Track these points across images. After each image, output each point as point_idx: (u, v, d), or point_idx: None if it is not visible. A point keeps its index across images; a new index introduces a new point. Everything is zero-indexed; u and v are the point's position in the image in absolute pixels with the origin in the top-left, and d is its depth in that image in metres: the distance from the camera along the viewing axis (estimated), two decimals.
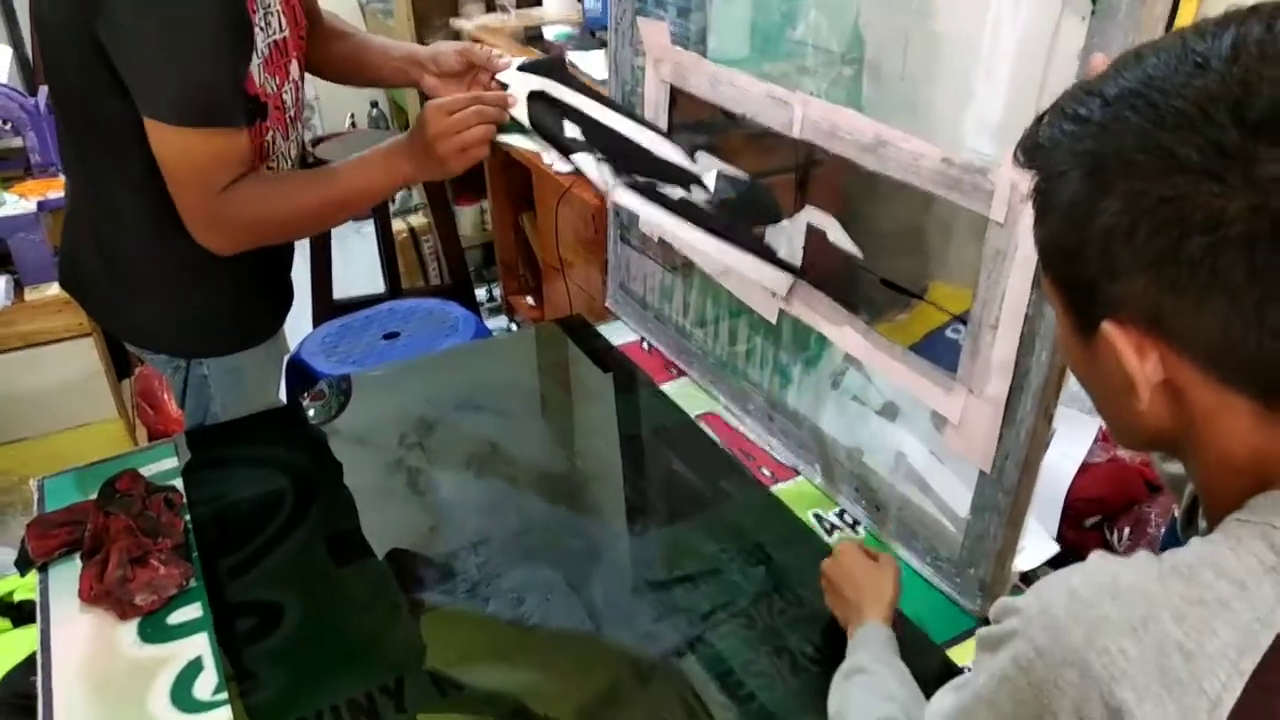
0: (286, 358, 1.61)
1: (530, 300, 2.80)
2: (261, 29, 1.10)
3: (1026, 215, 0.80)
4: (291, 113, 1.21)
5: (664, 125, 1.33)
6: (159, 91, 1.03)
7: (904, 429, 1.07)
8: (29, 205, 1.98)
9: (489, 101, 1.17)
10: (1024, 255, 0.82)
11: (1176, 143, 0.44)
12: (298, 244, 1.41)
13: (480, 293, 3.06)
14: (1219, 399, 0.48)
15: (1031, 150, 0.51)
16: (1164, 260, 0.45)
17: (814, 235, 1.30)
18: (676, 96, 1.30)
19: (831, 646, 0.94)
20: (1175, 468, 0.71)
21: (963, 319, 0.93)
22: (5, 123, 2.04)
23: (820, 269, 1.15)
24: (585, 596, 1.06)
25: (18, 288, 2.02)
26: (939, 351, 1.01)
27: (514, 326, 2.89)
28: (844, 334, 1.07)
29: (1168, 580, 0.46)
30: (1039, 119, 0.52)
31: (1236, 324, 0.45)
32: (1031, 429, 0.86)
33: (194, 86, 1.04)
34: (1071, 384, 0.88)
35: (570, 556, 1.12)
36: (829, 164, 1.20)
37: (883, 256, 1.21)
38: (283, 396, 1.47)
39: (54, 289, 2.00)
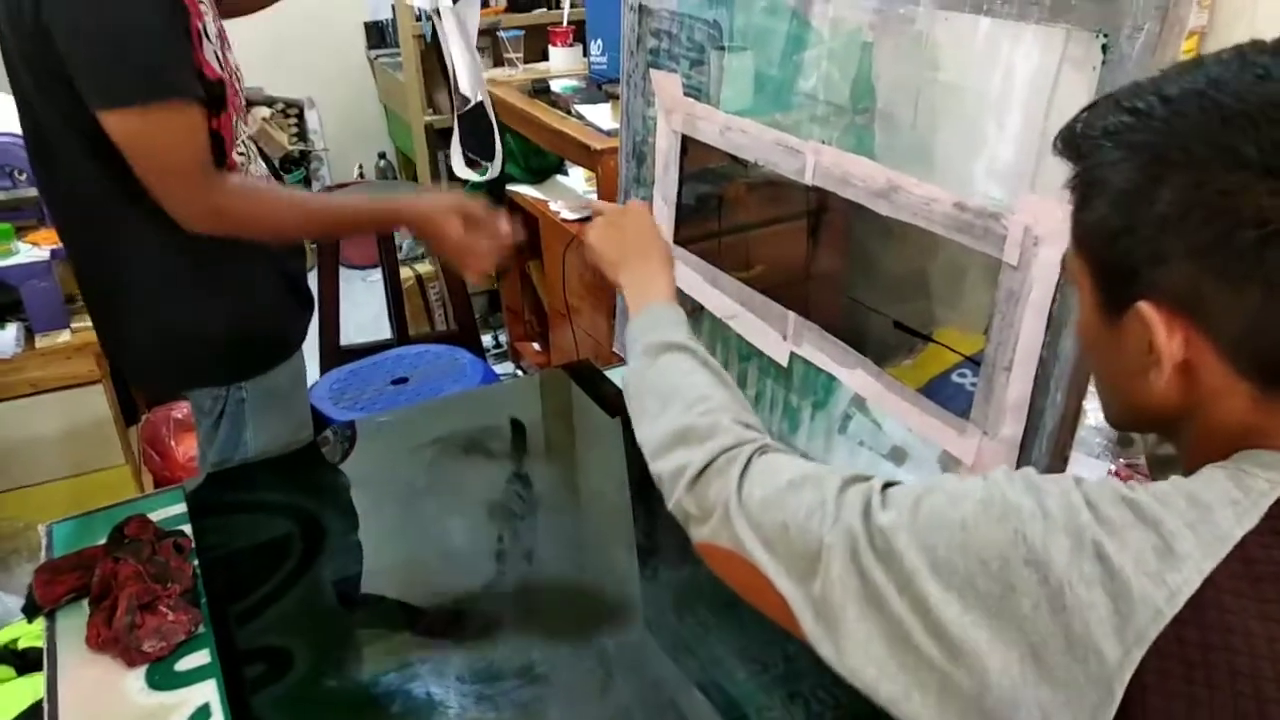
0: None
1: (536, 346, 2.82)
2: (206, 10, 1.14)
3: (1039, 258, 0.82)
4: (242, 97, 1.25)
5: (675, 174, 1.35)
6: (108, 76, 1.05)
7: (912, 474, 1.06)
8: (42, 253, 2.00)
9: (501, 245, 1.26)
10: (1037, 297, 0.83)
11: (1238, 140, 0.47)
12: None
13: (486, 339, 3.07)
14: (1226, 382, 0.51)
15: (1076, 140, 0.54)
16: (1212, 249, 0.48)
17: (825, 282, 1.32)
18: (688, 145, 1.32)
19: (848, 692, 0.93)
20: (1166, 450, 0.73)
21: (973, 361, 0.93)
22: (20, 173, 2.07)
23: (830, 311, 1.16)
24: (596, 642, 1.05)
25: (29, 335, 2.03)
26: (946, 395, 1.02)
27: (520, 372, 2.90)
28: (855, 376, 1.08)
29: (1141, 494, 0.50)
30: (1084, 111, 0.55)
31: (1266, 314, 0.48)
32: (1045, 471, 0.86)
33: (140, 64, 1.05)
34: (1080, 428, 0.88)
35: (580, 602, 1.12)
36: (839, 209, 1.22)
37: (893, 300, 1.22)
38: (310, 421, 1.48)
39: (65, 335, 2.01)
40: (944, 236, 0.92)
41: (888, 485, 0.58)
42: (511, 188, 2.37)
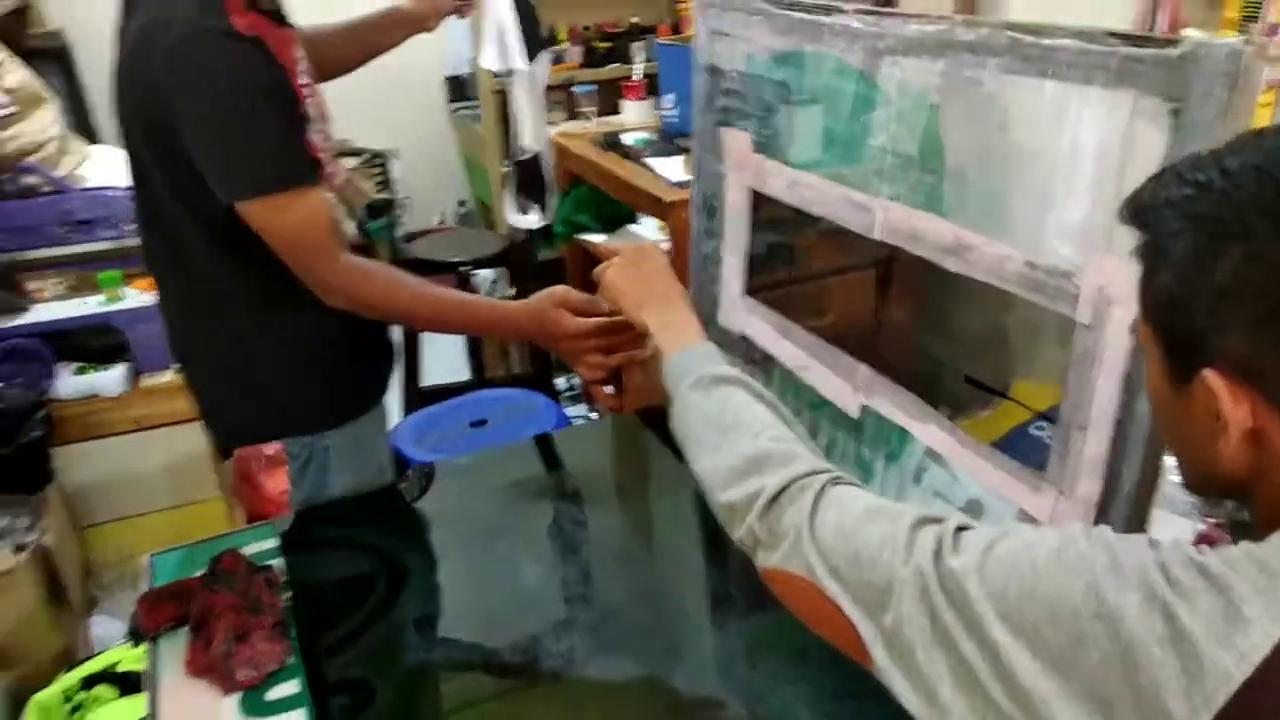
0: None
1: (610, 389, 2.85)
2: (309, 93, 1.22)
3: (1114, 318, 0.82)
4: (330, 168, 1.32)
5: (745, 228, 1.38)
6: (237, 169, 1.13)
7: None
8: (148, 299, 2.12)
9: (615, 343, 1.33)
10: (1112, 357, 0.83)
11: None
12: None
13: (560, 381, 3.13)
14: None
15: (1142, 210, 0.56)
16: (1270, 319, 0.50)
17: (896, 333, 1.32)
18: (757, 199, 1.36)
19: None
20: (1245, 514, 0.73)
21: (1047, 416, 0.93)
22: (127, 223, 2.21)
23: (902, 364, 1.17)
24: (668, 690, 1.07)
25: (135, 375, 2.15)
26: (1023, 449, 1.01)
27: (592, 415, 2.94)
28: (927, 430, 1.09)
29: (1211, 559, 0.50)
30: (1149, 181, 0.56)
31: None
32: (1124, 533, 0.86)
33: (266, 155, 1.14)
34: (1163, 485, 0.88)
35: (653, 648, 1.13)
36: (910, 261, 1.24)
37: (965, 354, 1.23)
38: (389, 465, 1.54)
39: (167, 376, 2.13)
40: (1017, 297, 0.93)
41: (961, 529, 0.59)
42: (584, 237, 2.44)
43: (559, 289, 1.32)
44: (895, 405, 1.14)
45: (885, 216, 1.08)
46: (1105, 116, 0.81)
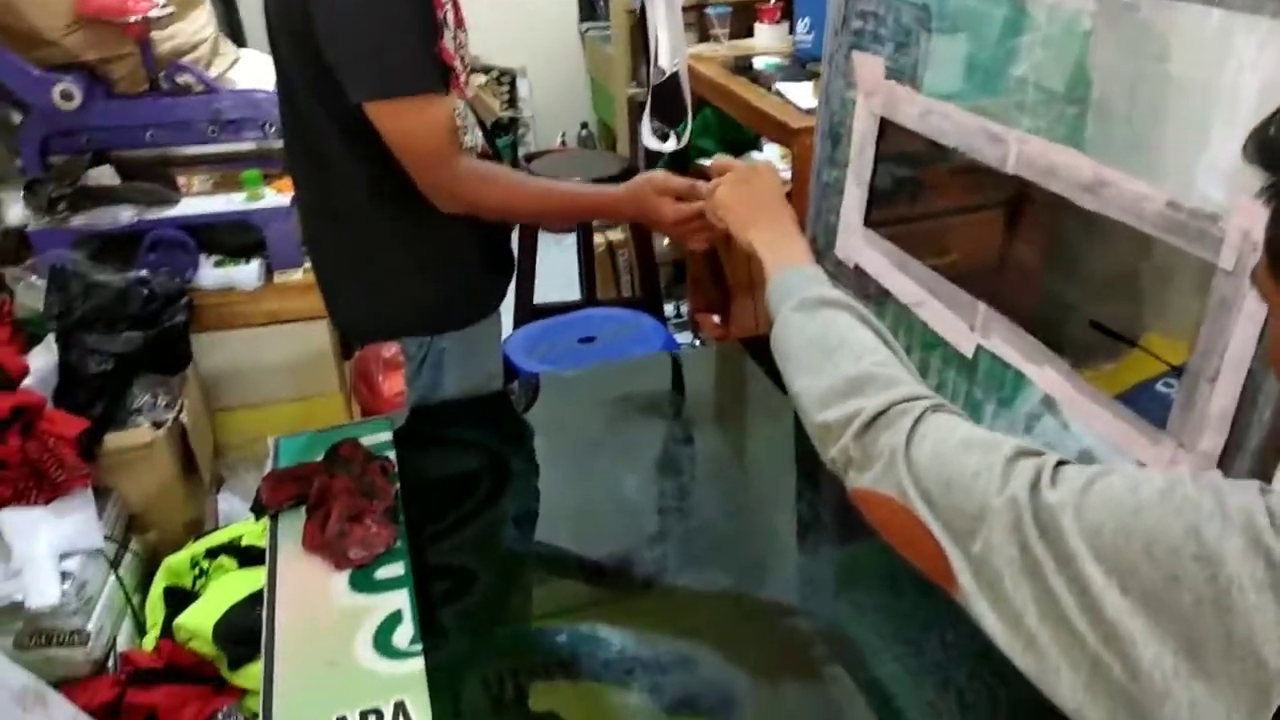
0: None
1: (716, 319, 2.86)
2: (446, 3, 1.23)
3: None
4: (465, 76, 1.34)
5: (871, 157, 1.35)
6: (368, 71, 1.16)
7: None
8: (284, 199, 2.22)
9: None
10: (1252, 306, 0.79)
11: None
12: None
13: (669, 308, 3.14)
14: None
15: (1270, 145, 0.51)
16: None
17: (1020, 275, 1.28)
18: (885, 129, 1.32)
19: (1001, 682, 0.93)
20: None
21: (1178, 372, 0.89)
22: (271, 126, 2.31)
23: (1024, 306, 1.13)
24: (751, 610, 1.09)
25: (269, 271, 2.27)
26: (1146, 406, 0.97)
27: (698, 343, 2.95)
28: (1044, 374, 1.05)
29: None
30: (1271, 118, 0.52)
31: None
32: None
33: (397, 60, 1.16)
34: None
35: (740, 569, 1.15)
36: (1041, 201, 1.18)
37: (1092, 300, 1.18)
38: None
39: (298, 274, 2.24)
40: (1153, 237, 0.88)
41: (1061, 463, 0.58)
42: (705, 161, 2.41)
43: (659, 174, 1.32)
44: (1012, 346, 1.10)
45: (1021, 149, 1.03)
46: (1274, 49, 0.76)
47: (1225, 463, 0.85)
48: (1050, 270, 1.28)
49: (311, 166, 1.35)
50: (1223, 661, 0.45)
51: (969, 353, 1.18)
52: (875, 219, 1.38)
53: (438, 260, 1.38)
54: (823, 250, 1.51)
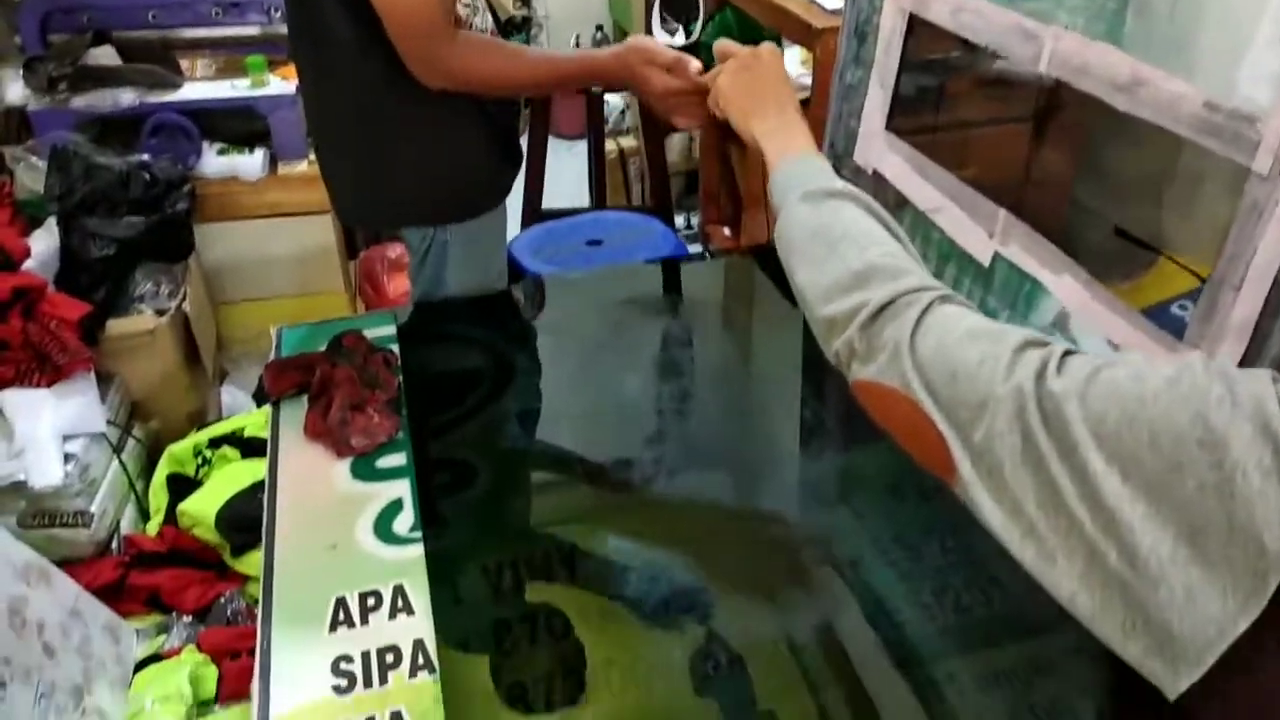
0: None
1: (727, 231, 2.82)
2: None
3: None
4: None
5: (897, 56, 1.30)
6: None
7: None
8: (289, 87, 2.16)
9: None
10: None
11: None
12: None
13: (679, 219, 3.10)
14: None
15: None
16: None
17: (1043, 186, 1.24)
18: (914, 26, 1.26)
19: (998, 589, 0.93)
20: None
21: (1197, 292, 0.87)
22: (276, 10, 2.24)
23: (1045, 217, 1.10)
24: (752, 511, 1.09)
25: (273, 161, 2.22)
26: (1161, 323, 0.95)
27: (708, 255, 2.92)
28: (1062, 282, 1.03)
29: None
30: None
31: None
32: None
33: None
34: None
35: (744, 466, 1.15)
36: (1071, 110, 1.14)
37: (1117, 209, 1.15)
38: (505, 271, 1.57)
39: (303, 166, 2.20)
40: (1184, 145, 0.85)
41: (1068, 353, 0.56)
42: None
43: (646, 42, 1.27)
44: (1030, 254, 1.08)
45: (1056, 47, 0.99)
46: None
47: None
48: (1075, 180, 1.24)
49: (314, 46, 1.31)
50: (1222, 547, 0.45)
51: (986, 261, 1.15)
52: (898, 125, 1.34)
53: (442, 146, 1.34)
54: (841, 155, 1.47)
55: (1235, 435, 0.46)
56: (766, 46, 0.99)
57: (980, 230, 1.15)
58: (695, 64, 1.22)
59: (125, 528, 1.82)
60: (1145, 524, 0.47)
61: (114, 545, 1.78)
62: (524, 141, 2.03)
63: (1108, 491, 0.48)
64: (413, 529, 1.02)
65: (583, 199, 2.88)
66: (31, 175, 1.98)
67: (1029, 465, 0.53)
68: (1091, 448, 0.50)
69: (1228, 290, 0.82)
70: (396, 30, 1.17)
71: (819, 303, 0.73)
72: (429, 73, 1.21)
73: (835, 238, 0.75)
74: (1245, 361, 0.82)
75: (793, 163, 0.86)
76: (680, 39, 2.18)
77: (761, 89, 0.95)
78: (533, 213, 2.51)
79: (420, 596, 0.93)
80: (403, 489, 1.08)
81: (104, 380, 1.87)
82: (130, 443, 1.91)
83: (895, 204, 1.35)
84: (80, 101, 2.08)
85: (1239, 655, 0.44)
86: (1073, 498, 0.50)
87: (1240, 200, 0.80)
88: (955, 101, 1.46)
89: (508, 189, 1.49)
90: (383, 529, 1.03)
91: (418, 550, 0.99)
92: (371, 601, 0.92)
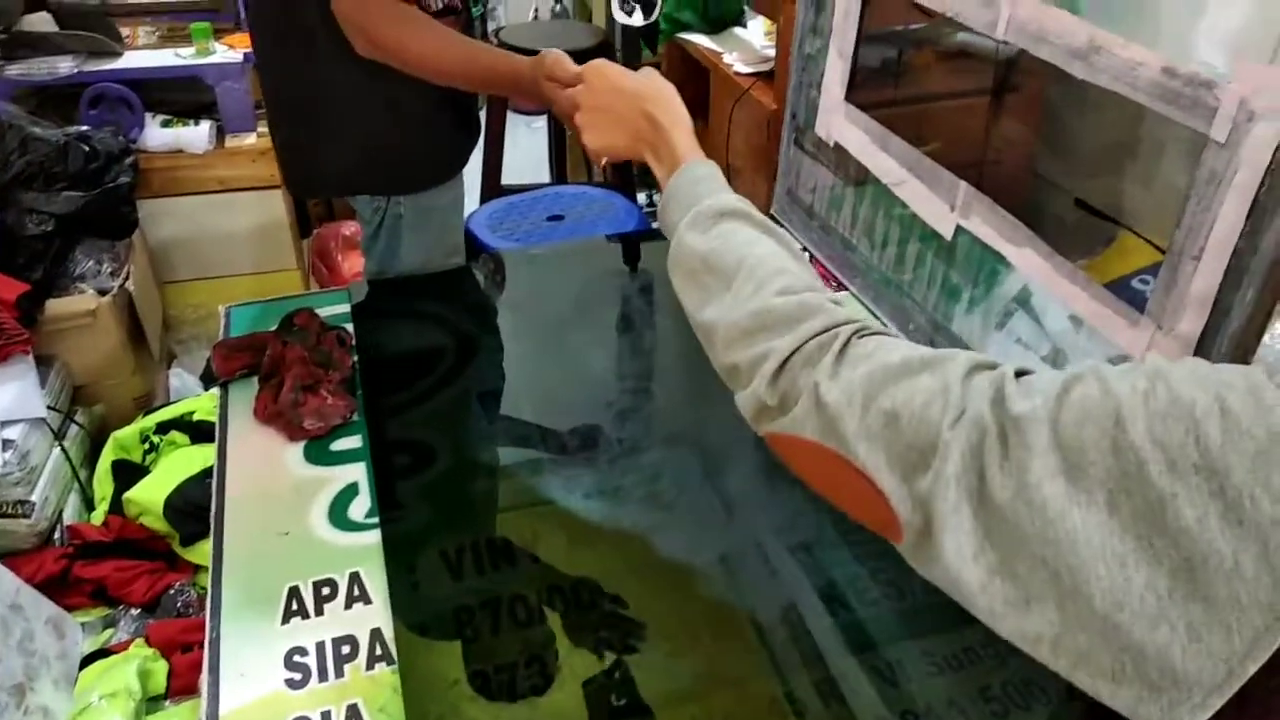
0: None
1: None
2: None
3: (1252, 135, 0.74)
4: None
5: (855, 24, 1.28)
6: None
7: None
8: (236, 56, 2.09)
9: None
10: (1243, 179, 0.75)
11: None
12: None
13: (640, 196, 3.06)
14: None
15: None
16: None
17: (1004, 159, 1.24)
18: None
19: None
20: None
21: (1156, 266, 0.87)
22: None
23: (1006, 190, 1.09)
24: (719, 485, 1.08)
25: (220, 134, 2.15)
26: (1123, 299, 0.95)
27: None
28: (1024, 255, 1.02)
29: None
30: None
31: None
32: None
33: None
34: (1264, 351, 0.82)
35: (707, 447, 1.14)
36: (1028, 80, 1.14)
37: (1077, 181, 1.14)
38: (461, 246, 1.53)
39: (251, 139, 2.13)
40: (1143, 115, 0.84)
41: (1021, 373, 0.51)
42: (685, 36, 2.31)
43: (550, 57, 1.18)
44: (992, 227, 1.07)
45: (1013, 13, 0.98)
46: None
47: (1204, 345, 0.83)
48: (1034, 153, 1.24)
49: (276, 11, 1.27)
50: (1228, 578, 0.40)
51: (948, 234, 1.15)
52: (859, 98, 1.32)
53: (395, 115, 1.30)
54: (803, 127, 1.46)
55: (1235, 452, 0.41)
56: (591, 68, 0.88)
57: (942, 203, 1.14)
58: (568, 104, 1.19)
59: (69, 517, 1.76)
60: (1135, 562, 0.42)
61: (57, 536, 1.72)
62: (483, 115, 1.99)
63: (1089, 527, 0.43)
64: (369, 514, 1.00)
65: (543, 175, 2.84)
66: None
67: (985, 506, 0.47)
68: (1067, 481, 0.44)
69: (1187, 261, 0.82)
70: None
71: (719, 348, 0.66)
72: (360, 39, 1.17)
73: (729, 271, 0.67)
74: (1206, 334, 0.82)
75: (677, 180, 0.77)
76: (638, 19, 2.14)
77: (625, 118, 0.84)
78: (492, 187, 2.46)
79: (378, 584, 0.90)
80: (358, 472, 1.05)
81: (43, 363, 1.80)
82: (73, 428, 1.85)
83: (857, 176, 1.34)
84: (15, 70, 2.00)
85: (1252, 699, 0.40)
86: (1040, 540, 0.45)
87: (1197, 169, 0.80)
88: (916, 74, 1.45)
89: (463, 161, 1.45)
90: (337, 515, 1.00)
91: (374, 536, 0.97)
92: (326, 590, 0.90)
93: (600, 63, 0.89)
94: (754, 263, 0.66)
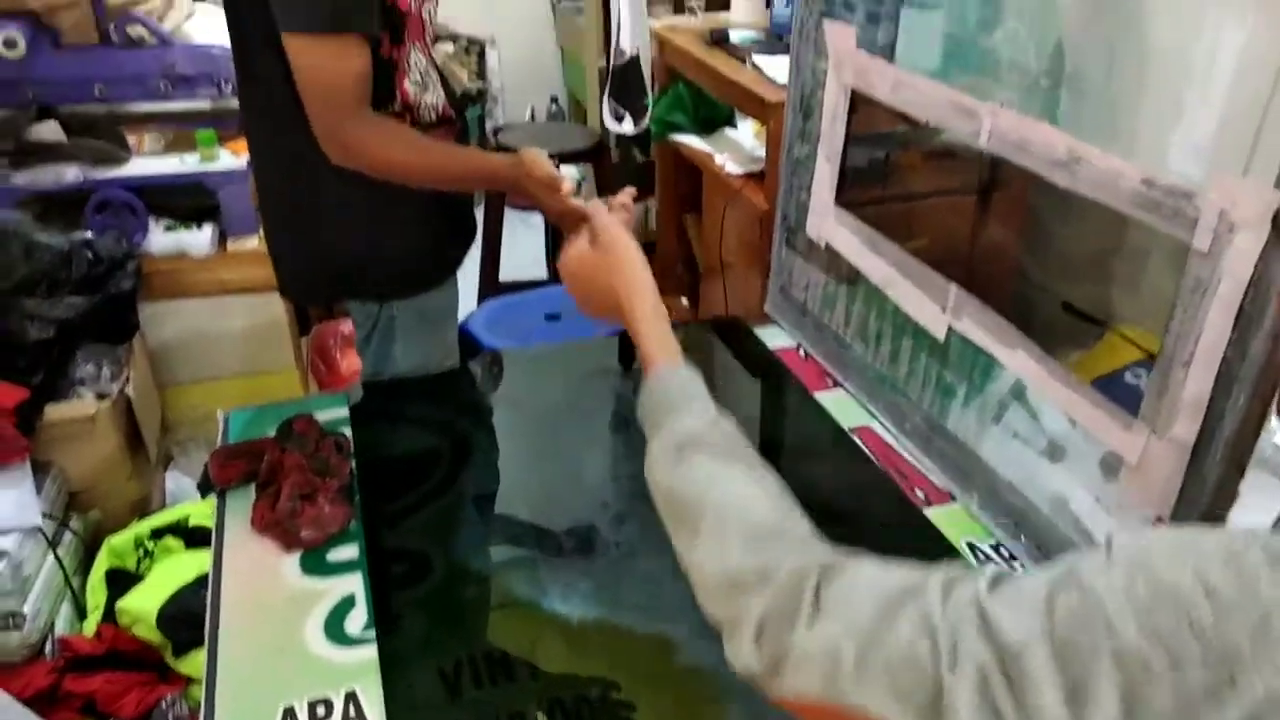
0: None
1: (684, 300, 2.82)
2: None
3: (1234, 245, 0.76)
4: (430, 33, 1.29)
5: (842, 130, 1.32)
6: (303, 3, 1.10)
7: (1069, 474, 1.01)
8: (240, 162, 2.14)
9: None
10: (1228, 288, 0.77)
11: None
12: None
13: None
14: None
15: None
16: None
17: (992, 260, 1.26)
18: (857, 103, 1.29)
19: None
20: None
21: (1151, 360, 0.88)
22: (227, 83, 2.22)
23: (996, 291, 1.11)
24: None
25: (222, 238, 2.19)
26: (1114, 395, 0.96)
27: None
28: (1015, 357, 1.03)
29: None
30: None
31: None
32: (1220, 479, 0.81)
33: None
34: (1263, 445, 0.82)
35: None
36: (1015, 182, 1.16)
37: (1065, 283, 1.16)
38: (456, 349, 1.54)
39: (253, 242, 2.16)
40: (1128, 220, 0.86)
41: (997, 581, 0.49)
42: (677, 137, 2.37)
43: (528, 156, 1.24)
44: (984, 329, 1.08)
45: (994, 123, 1.01)
46: (1263, 19, 0.73)
47: (1198, 451, 0.83)
48: (1022, 253, 1.26)
49: (262, 114, 1.30)
50: None
51: (941, 335, 1.16)
52: (847, 199, 1.35)
53: (386, 221, 1.32)
54: (794, 228, 1.49)
55: (1234, 633, 0.39)
56: (577, 259, 0.94)
57: (933, 305, 1.15)
58: (568, 185, 1.22)
59: (60, 628, 1.73)
60: None
61: (47, 648, 1.68)
62: (481, 212, 2.03)
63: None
64: (365, 628, 0.98)
65: (540, 271, 2.88)
66: None
67: None
68: (1078, 706, 0.43)
69: (1178, 367, 0.83)
70: (309, 102, 1.16)
71: (699, 594, 0.66)
72: (332, 148, 1.19)
73: (693, 515, 0.68)
74: (1201, 439, 0.82)
75: (644, 393, 0.81)
76: (628, 127, 2.20)
77: (601, 295, 0.89)
78: (490, 286, 2.50)
79: (374, 704, 0.88)
80: (355, 584, 1.04)
81: (40, 470, 1.79)
82: (67, 536, 1.83)
83: (849, 275, 1.36)
84: (22, 178, 2.04)
85: None
86: None
87: (1182, 277, 0.81)
88: (904, 173, 1.48)
89: (457, 264, 1.47)
90: (333, 629, 0.99)
91: (371, 652, 0.95)
92: (322, 710, 0.88)
93: (572, 249, 0.95)
94: (714, 509, 0.67)
